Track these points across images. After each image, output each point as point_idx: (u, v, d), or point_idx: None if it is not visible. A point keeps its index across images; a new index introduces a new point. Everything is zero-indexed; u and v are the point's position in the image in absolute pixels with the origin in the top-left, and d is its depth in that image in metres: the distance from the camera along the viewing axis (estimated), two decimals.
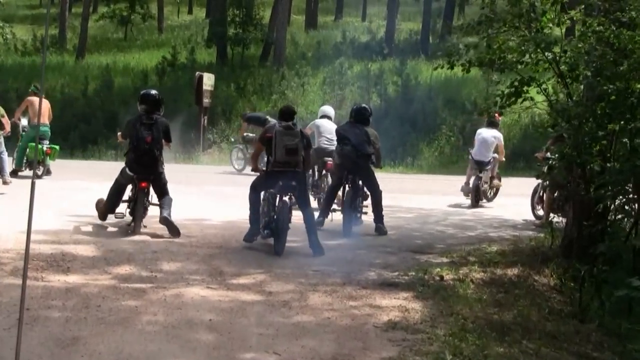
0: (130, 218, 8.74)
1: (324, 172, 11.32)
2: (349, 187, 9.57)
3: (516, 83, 7.61)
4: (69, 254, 7.31)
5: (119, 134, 9.60)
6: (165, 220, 8.59)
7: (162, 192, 8.89)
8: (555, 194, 10.60)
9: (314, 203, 10.53)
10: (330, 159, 10.82)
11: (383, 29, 35.96)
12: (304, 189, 8.45)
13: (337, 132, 9.98)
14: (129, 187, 8.97)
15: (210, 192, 13.10)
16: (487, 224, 10.90)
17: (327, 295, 6.39)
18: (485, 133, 13.03)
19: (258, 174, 8.66)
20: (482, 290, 6.99)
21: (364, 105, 10.37)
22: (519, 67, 7.75)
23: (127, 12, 35.72)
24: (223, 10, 29.25)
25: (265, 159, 8.63)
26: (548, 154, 10.62)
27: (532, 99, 7.77)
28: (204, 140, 22.05)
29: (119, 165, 11.63)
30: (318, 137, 11.56)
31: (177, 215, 10.18)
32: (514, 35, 7.70)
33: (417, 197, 13.68)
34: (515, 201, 13.48)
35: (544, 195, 10.98)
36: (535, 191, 11.50)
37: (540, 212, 11.15)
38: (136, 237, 8.36)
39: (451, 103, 24.41)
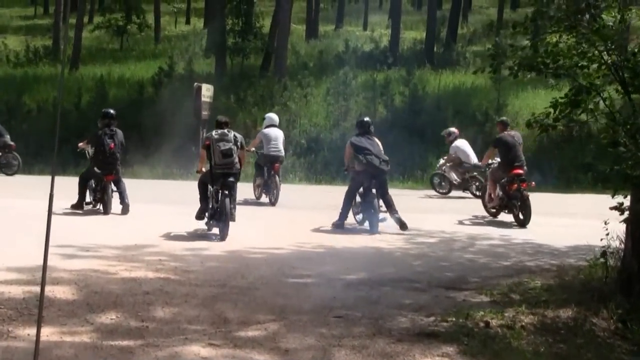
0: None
1: (272, 173, 13.64)
2: (369, 190, 10.90)
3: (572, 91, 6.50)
4: (45, 298, 6.15)
5: (80, 144, 12.92)
6: (126, 207, 11.73)
7: (118, 181, 11.96)
8: (500, 193, 12.11)
9: (264, 199, 13.80)
10: (277, 162, 13.78)
11: (386, 38, 35.00)
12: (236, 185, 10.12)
13: (353, 144, 11.02)
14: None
15: None
16: (520, 250, 9.76)
17: (356, 352, 5.24)
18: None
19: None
20: (537, 340, 5.86)
21: (366, 118, 11.85)
22: (578, 72, 6.61)
23: (122, 22, 34.71)
24: (222, 20, 28.19)
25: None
26: (490, 160, 12.90)
27: (592, 110, 6.65)
28: None
29: None
30: (266, 145, 13.86)
31: (172, 243, 9.10)
32: (569, 36, 6.60)
33: (434, 217, 12.56)
34: (543, 221, 12.38)
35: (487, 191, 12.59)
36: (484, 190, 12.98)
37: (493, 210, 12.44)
38: (125, 275, 7.21)
39: (461, 114, 23.28)
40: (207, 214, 9.89)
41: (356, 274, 7.76)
